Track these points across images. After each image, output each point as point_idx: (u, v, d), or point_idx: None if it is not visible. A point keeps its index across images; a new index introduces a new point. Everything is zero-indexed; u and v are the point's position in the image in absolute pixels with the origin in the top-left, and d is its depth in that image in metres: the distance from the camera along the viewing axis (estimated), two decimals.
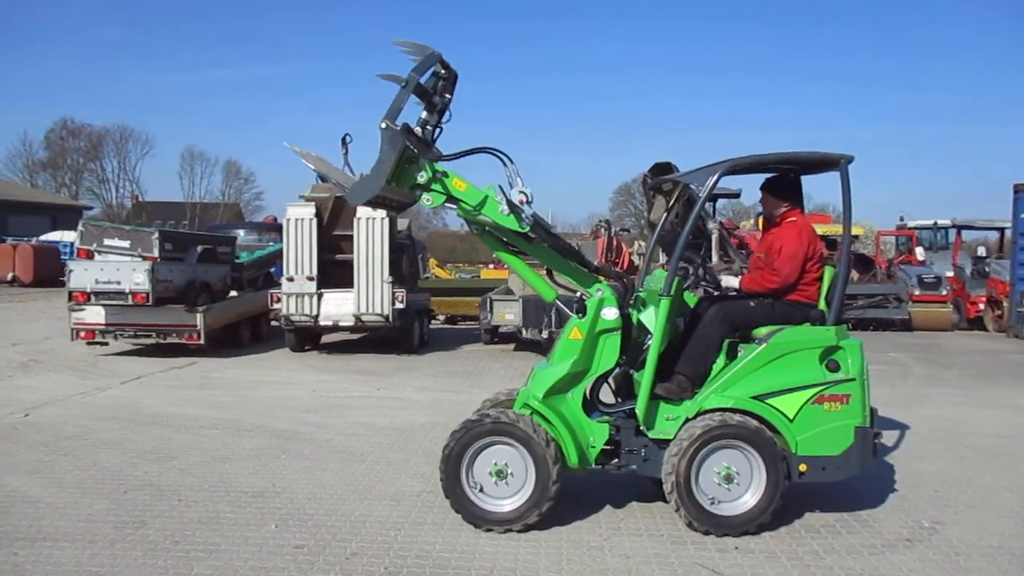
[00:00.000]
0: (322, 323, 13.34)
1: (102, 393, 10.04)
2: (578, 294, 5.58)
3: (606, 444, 5.41)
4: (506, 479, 5.18)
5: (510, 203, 5.05)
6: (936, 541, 5.08)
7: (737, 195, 23.86)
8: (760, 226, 30.11)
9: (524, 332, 13.05)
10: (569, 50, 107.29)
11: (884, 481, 6.34)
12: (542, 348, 13.15)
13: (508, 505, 5.16)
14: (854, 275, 26.43)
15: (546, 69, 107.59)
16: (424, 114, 5.17)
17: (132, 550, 4.80)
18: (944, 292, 19.35)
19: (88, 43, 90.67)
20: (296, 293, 13.14)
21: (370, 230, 12.95)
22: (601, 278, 5.50)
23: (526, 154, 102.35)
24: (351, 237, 13.08)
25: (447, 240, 64.48)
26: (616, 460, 5.44)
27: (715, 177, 5.29)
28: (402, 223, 14.56)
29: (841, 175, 5.40)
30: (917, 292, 19.08)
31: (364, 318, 13.10)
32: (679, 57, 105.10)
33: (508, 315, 13.38)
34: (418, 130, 5.12)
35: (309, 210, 13.25)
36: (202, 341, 12.86)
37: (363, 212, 12.90)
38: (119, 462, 6.73)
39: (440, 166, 5.16)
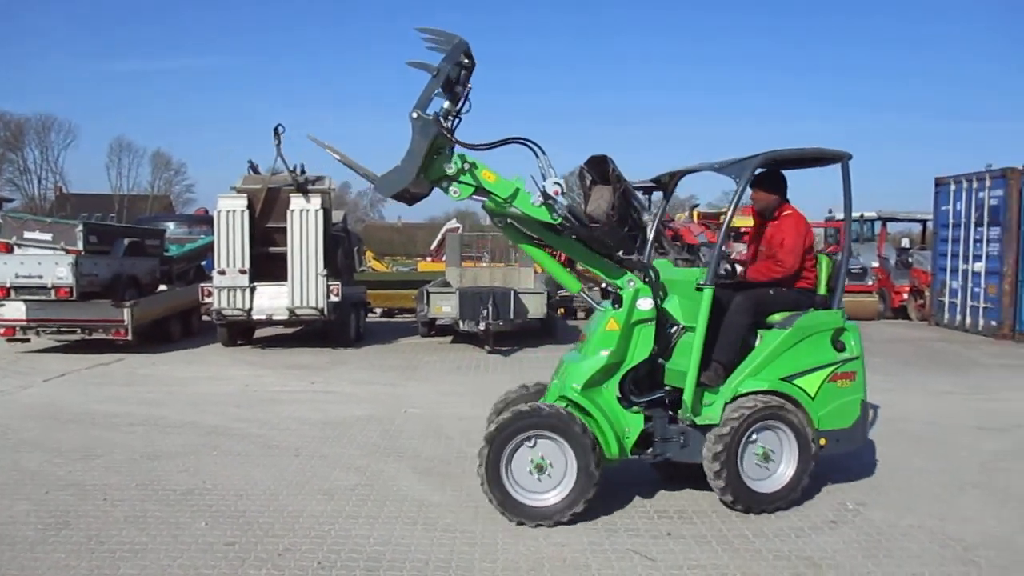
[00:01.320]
0: (255, 317, 13.09)
1: (23, 391, 9.69)
2: (603, 284, 5.63)
3: None
4: (546, 473, 5.13)
5: (545, 194, 5.02)
6: (860, 522, 5.24)
7: None
8: (695, 218, 30.66)
9: (461, 324, 12.99)
10: (508, 42, 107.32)
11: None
12: (479, 340, 13.17)
13: (551, 499, 5.10)
14: None
15: (488, 61, 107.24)
16: (446, 104, 5.00)
17: (54, 552, 4.64)
18: (870, 282, 19.94)
19: (7, 29, 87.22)
20: (228, 287, 12.86)
21: (304, 222, 12.75)
22: (629, 269, 5.54)
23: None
24: (284, 229, 12.86)
25: (384, 232, 64.01)
26: (651, 449, 5.49)
27: (750, 171, 5.57)
28: (337, 215, 14.38)
29: (843, 169, 5.84)
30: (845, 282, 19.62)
31: (298, 312, 12.90)
32: (620, 48, 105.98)
33: (445, 308, 13.32)
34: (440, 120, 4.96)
35: (241, 202, 12.97)
36: (129, 337, 12.49)
37: (296, 204, 12.71)
38: (41, 462, 6.50)
39: (469, 156, 5.07)
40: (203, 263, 16.34)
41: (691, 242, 22.70)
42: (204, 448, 6.99)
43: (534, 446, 5.12)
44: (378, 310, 19.14)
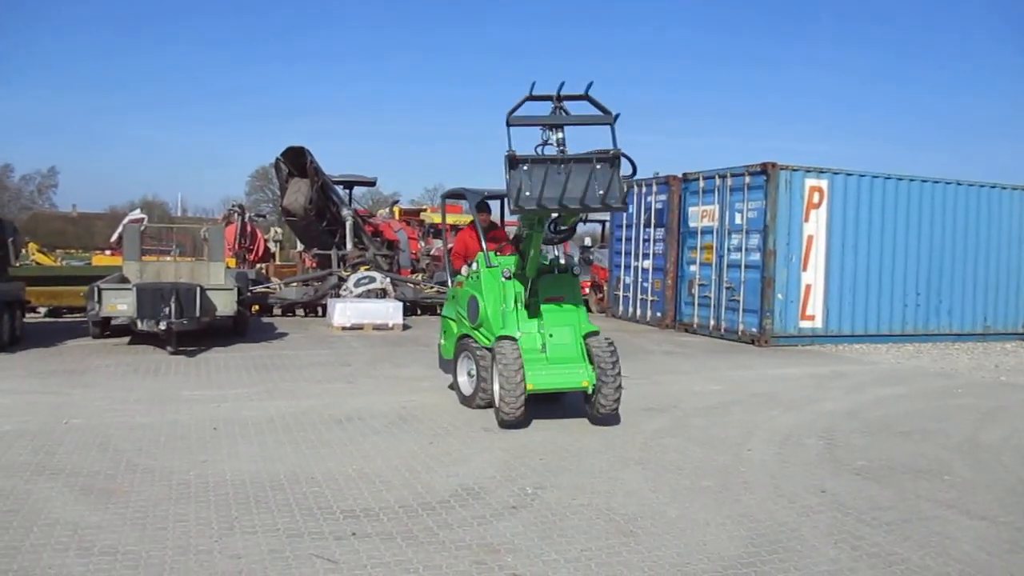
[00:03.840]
0: None
1: None
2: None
3: None
4: None
5: None
6: (537, 505, 5.50)
7: (373, 183, 24.21)
8: (395, 214, 30.88)
9: (140, 324, 11.87)
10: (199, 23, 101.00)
11: (494, 453, 6.77)
12: (162, 341, 12.16)
13: None
14: None
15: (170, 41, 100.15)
16: (561, 135, 6.89)
17: None
18: None
19: None
20: None
21: None
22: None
23: (145, 129, 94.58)
24: None
25: (56, 223, 57.41)
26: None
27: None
28: None
29: None
30: None
31: None
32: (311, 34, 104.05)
33: (121, 305, 12.07)
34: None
35: None
36: None
37: None
38: None
39: None
40: None
41: (391, 238, 22.88)
42: None
43: None
44: (42, 309, 17.07)
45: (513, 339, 7.71)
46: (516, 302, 8.04)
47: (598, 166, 6.74)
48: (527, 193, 6.60)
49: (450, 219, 32.91)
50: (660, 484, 6.08)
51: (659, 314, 18.20)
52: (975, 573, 4.59)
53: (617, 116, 6.91)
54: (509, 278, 8.11)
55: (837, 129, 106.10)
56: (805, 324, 15.51)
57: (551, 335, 7.83)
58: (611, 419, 7.85)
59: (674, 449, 7.15)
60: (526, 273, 7.96)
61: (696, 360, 13.21)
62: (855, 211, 15.68)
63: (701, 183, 16.96)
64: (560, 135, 6.89)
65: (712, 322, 16.55)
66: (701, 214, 16.98)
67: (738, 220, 15.84)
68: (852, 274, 15.76)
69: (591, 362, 7.74)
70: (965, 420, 8.84)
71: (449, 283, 9.29)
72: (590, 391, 7.71)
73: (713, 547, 4.84)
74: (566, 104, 6.98)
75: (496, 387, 7.59)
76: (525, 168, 6.65)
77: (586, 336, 7.91)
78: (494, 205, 9.70)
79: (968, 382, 11.70)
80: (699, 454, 7.00)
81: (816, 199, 15.37)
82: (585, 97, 6.97)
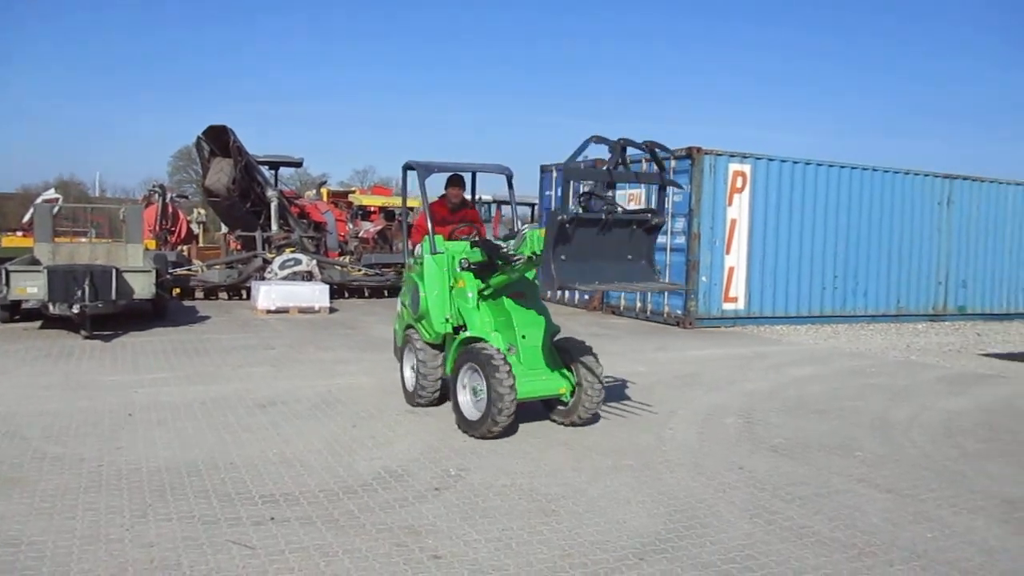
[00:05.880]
0: None
1: None
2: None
3: None
4: None
5: None
6: (460, 487, 5.50)
7: (300, 164, 23.75)
8: (324, 196, 30.29)
9: (52, 308, 11.43)
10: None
11: (419, 436, 6.74)
12: (74, 325, 11.73)
13: None
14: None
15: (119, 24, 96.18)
16: (613, 192, 6.56)
17: None
18: None
19: None
20: None
21: None
22: None
23: (63, 107, 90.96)
24: None
25: None
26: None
27: None
28: None
29: (508, 181, 8.50)
30: None
31: None
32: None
33: (31, 288, 11.59)
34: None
35: None
36: None
37: None
38: None
39: None
40: None
41: (318, 220, 22.52)
42: None
43: None
44: None
45: (489, 343, 6.93)
46: (477, 297, 7.30)
47: (634, 227, 6.37)
48: (564, 261, 5.95)
49: (373, 201, 32.66)
50: (583, 464, 6.14)
51: (587, 297, 18.35)
52: (880, 543, 4.77)
53: (673, 183, 6.78)
54: (466, 268, 7.28)
55: (764, 115, 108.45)
56: (728, 306, 15.84)
57: (523, 336, 7.09)
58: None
59: (597, 430, 7.23)
60: (491, 283, 7.20)
61: (622, 342, 13.37)
62: (776, 195, 16.04)
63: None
64: (611, 193, 6.45)
65: (639, 304, 16.77)
66: (628, 198, 17.12)
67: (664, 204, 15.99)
68: (773, 257, 16.14)
69: (565, 366, 7.20)
70: (877, 398, 9.17)
71: (406, 263, 8.40)
72: (566, 399, 7.18)
73: (633, 524, 4.91)
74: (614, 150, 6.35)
75: (463, 397, 6.94)
76: (568, 227, 5.92)
77: (554, 337, 7.35)
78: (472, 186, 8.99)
79: (881, 362, 12.14)
80: (622, 434, 7.09)
81: (739, 183, 15.67)
82: (647, 148, 6.46)
